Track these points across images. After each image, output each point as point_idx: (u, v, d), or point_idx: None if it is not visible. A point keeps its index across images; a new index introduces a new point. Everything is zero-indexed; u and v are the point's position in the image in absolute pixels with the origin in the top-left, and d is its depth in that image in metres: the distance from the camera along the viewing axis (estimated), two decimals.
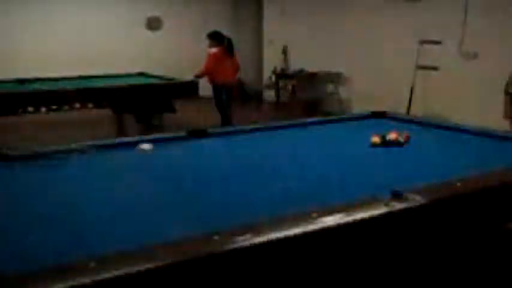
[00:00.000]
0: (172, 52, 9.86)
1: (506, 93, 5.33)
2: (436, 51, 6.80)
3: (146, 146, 2.64)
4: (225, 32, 7.15)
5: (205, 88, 6.77)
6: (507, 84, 5.33)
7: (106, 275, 1.20)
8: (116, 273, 1.21)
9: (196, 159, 2.60)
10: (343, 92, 8.48)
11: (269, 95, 9.86)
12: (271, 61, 9.66)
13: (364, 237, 1.62)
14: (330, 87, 8.61)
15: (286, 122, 3.45)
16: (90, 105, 5.88)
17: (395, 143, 2.67)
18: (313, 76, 8.67)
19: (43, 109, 5.62)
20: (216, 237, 1.40)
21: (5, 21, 8.75)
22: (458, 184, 1.89)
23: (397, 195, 1.72)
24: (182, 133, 2.96)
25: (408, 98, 6.91)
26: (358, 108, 7.57)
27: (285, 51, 9.47)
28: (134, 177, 2.24)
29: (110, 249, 1.32)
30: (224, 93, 6.71)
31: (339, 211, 1.59)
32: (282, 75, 9.22)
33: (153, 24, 10.15)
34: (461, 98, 6.52)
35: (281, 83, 9.22)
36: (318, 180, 2.13)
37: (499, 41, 6.20)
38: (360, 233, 1.61)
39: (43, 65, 8.15)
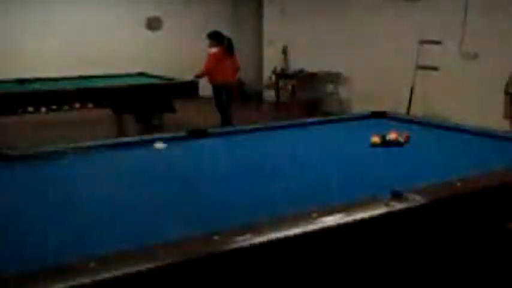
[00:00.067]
0: (172, 52, 9.86)
1: (506, 93, 5.33)
2: (436, 51, 6.80)
3: (160, 146, 2.67)
4: (225, 32, 7.15)
5: (205, 88, 6.77)
6: (507, 84, 5.33)
7: (106, 275, 1.20)
8: (116, 273, 1.21)
9: (196, 159, 2.60)
10: (343, 92, 8.48)
11: (269, 95, 9.86)
12: (271, 61, 9.66)
13: (364, 237, 1.62)
14: (330, 87, 8.61)
15: (286, 122, 3.45)
16: (90, 105, 5.89)
17: (395, 143, 2.67)
18: (313, 76, 8.67)
19: (43, 109, 5.62)
20: (216, 237, 1.40)
21: (5, 21, 8.75)
22: (458, 184, 1.89)
23: (397, 195, 1.72)
24: (182, 133, 2.96)
25: (408, 98, 6.92)
26: (358, 108, 7.57)
27: (285, 51, 9.47)
28: (134, 177, 2.24)
29: (110, 249, 1.32)
30: (224, 93, 6.71)
31: (339, 211, 1.59)
32: (282, 75, 9.22)
33: (153, 24, 10.16)
34: (461, 98, 6.52)
35: (281, 83, 9.22)
36: (318, 180, 2.13)
37: (499, 41, 6.20)
38: (360, 233, 1.61)
39: (43, 65, 8.15)
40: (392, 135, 2.70)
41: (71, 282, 1.16)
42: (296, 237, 1.46)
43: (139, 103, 6.35)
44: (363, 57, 7.94)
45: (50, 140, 5.09)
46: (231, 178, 2.19)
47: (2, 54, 8.53)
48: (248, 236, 1.41)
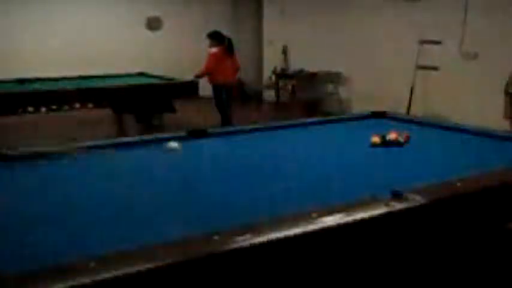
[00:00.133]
0: (172, 52, 9.86)
1: (506, 93, 5.33)
2: (436, 51, 6.80)
3: (174, 145, 2.61)
4: (225, 31, 7.15)
5: (205, 88, 6.77)
6: (507, 84, 5.33)
7: (106, 275, 1.20)
8: (116, 273, 1.21)
9: (196, 159, 2.60)
10: (343, 92, 8.48)
11: (269, 95, 9.86)
12: (271, 61, 9.66)
13: (364, 237, 1.62)
14: (330, 87, 8.61)
15: (286, 122, 3.45)
16: (90, 105, 5.89)
17: (395, 143, 2.67)
18: (313, 76, 8.67)
19: (43, 109, 5.62)
20: (216, 237, 1.40)
21: (5, 21, 8.74)
22: (458, 184, 1.89)
23: (397, 195, 1.72)
24: (182, 133, 2.96)
25: (408, 98, 6.92)
26: (358, 108, 7.57)
27: (285, 51, 9.47)
28: (134, 177, 2.24)
29: (110, 249, 1.32)
30: (224, 93, 6.71)
31: (339, 211, 1.59)
32: (282, 75, 9.22)
33: (153, 24, 10.15)
34: (461, 98, 6.52)
35: (281, 83, 9.22)
36: (318, 180, 2.13)
37: (499, 41, 6.20)
38: (360, 233, 1.61)
39: (43, 65, 8.14)
40: (392, 135, 2.70)
41: (71, 282, 1.16)
42: (296, 237, 1.46)
43: (139, 103, 6.35)
44: (362, 57, 7.94)
45: (50, 140, 5.10)
46: (231, 178, 2.19)
47: (2, 54, 8.52)
48: (248, 236, 1.41)
